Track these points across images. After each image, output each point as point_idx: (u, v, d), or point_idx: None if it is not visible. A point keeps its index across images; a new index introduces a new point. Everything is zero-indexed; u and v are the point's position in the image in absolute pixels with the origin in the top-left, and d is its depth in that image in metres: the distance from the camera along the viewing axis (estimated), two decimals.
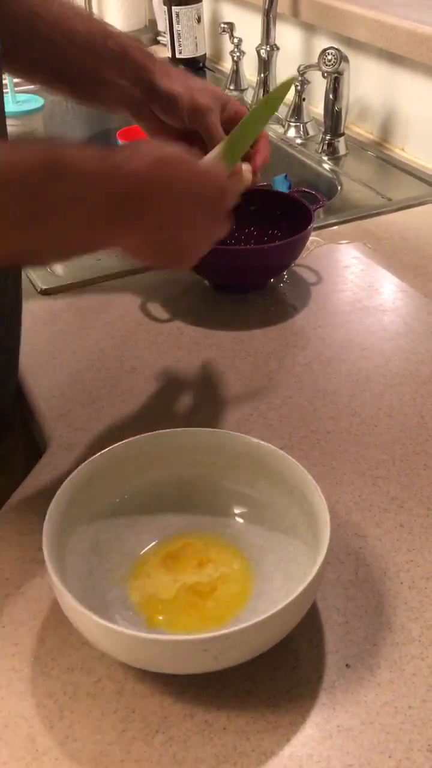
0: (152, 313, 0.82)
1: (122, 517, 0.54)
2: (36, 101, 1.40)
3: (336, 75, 1.15)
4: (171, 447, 0.55)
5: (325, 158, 1.20)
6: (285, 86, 0.70)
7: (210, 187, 0.58)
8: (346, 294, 0.85)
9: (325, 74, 1.16)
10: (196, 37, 1.57)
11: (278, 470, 0.52)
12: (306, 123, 1.27)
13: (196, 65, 1.61)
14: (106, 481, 0.53)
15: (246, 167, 0.69)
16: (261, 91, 1.39)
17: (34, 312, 0.81)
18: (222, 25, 1.45)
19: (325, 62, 1.13)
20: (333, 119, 1.19)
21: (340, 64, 1.13)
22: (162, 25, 1.74)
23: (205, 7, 1.59)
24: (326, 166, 1.19)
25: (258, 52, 1.36)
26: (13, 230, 0.46)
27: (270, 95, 0.71)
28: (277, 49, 1.36)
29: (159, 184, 0.53)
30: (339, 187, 1.12)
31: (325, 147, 1.21)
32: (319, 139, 1.22)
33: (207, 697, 0.46)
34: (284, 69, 1.36)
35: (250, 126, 0.69)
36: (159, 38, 1.81)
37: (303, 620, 0.47)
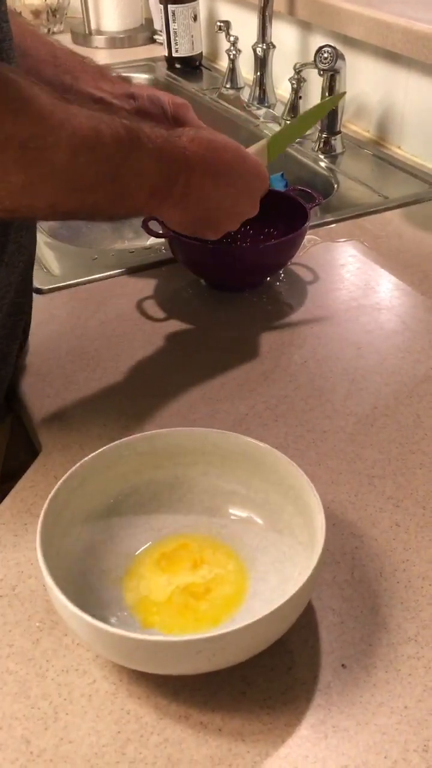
0: (148, 312, 0.82)
1: (117, 517, 0.54)
2: None
3: (332, 73, 1.15)
4: (166, 447, 0.55)
5: (322, 156, 1.20)
6: (336, 98, 0.83)
7: (250, 174, 0.67)
8: (343, 292, 0.85)
9: (322, 72, 1.15)
10: (192, 36, 1.57)
11: (274, 470, 0.52)
12: None
13: (192, 64, 1.61)
14: (101, 482, 0.53)
15: None
16: (257, 89, 1.39)
17: None
18: (218, 24, 1.44)
19: (321, 60, 1.13)
20: (329, 117, 1.19)
21: (336, 62, 1.12)
22: (158, 23, 1.74)
23: (201, 6, 1.59)
24: (323, 164, 1.18)
25: (254, 51, 1.36)
26: (98, 184, 0.53)
27: (319, 105, 0.81)
28: (273, 47, 1.36)
29: (208, 168, 0.62)
30: (335, 186, 1.12)
31: (322, 145, 1.20)
32: (316, 137, 1.22)
33: (202, 699, 0.46)
34: (280, 67, 1.36)
35: (295, 129, 0.79)
36: (155, 37, 1.81)
37: (298, 621, 0.47)
